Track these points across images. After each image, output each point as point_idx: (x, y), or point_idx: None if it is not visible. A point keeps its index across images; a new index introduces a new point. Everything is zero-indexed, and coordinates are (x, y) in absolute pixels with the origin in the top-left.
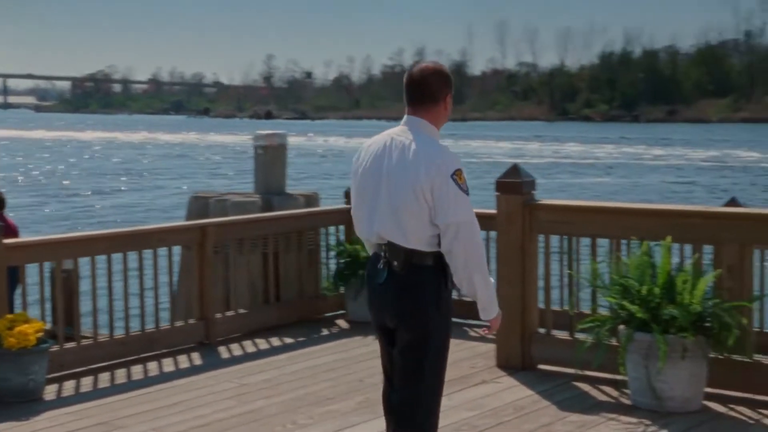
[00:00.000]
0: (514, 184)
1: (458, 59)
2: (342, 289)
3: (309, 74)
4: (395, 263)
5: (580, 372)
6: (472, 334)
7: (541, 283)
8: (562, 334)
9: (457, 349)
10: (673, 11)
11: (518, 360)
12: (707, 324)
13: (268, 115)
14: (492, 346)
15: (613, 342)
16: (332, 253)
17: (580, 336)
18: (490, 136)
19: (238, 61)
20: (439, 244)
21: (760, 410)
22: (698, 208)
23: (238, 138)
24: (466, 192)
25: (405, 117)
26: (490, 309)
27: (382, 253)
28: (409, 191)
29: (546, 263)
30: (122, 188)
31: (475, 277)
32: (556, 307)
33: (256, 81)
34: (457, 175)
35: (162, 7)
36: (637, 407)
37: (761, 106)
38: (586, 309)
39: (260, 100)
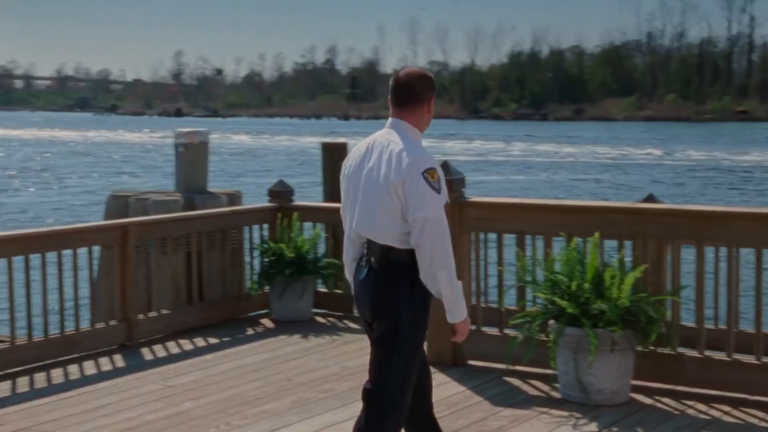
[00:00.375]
0: (447, 181)
1: (370, 57)
2: (267, 289)
3: (219, 71)
4: (372, 260)
5: (510, 367)
6: None
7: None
8: (492, 331)
9: None
10: (578, 12)
11: (449, 356)
12: (634, 318)
13: (178, 113)
14: None
15: (543, 337)
16: (256, 252)
17: (510, 332)
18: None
19: (147, 58)
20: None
21: (683, 401)
22: (623, 204)
23: (146, 136)
24: (438, 191)
25: (389, 120)
26: (455, 311)
27: (365, 251)
28: (383, 188)
29: (476, 260)
30: (25, 187)
31: (440, 274)
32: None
33: (164, 78)
34: (429, 174)
35: (66, 0)
36: (567, 401)
37: (663, 105)
38: (516, 305)
39: (169, 97)
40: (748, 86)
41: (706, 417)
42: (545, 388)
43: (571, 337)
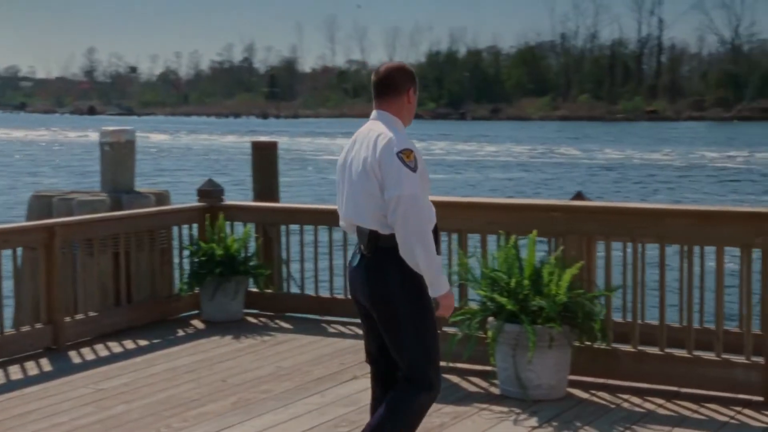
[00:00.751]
0: None
1: (288, 56)
2: (197, 289)
3: (134, 69)
4: (362, 246)
5: (449, 364)
6: (331, 330)
7: None
8: None
9: (319, 346)
10: (494, 12)
11: None
12: (571, 314)
13: (92, 111)
14: (355, 342)
15: (482, 334)
16: (186, 253)
17: (448, 330)
18: (326, 133)
19: (57, 55)
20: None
21: (618, 395)
22: (560, 202)
23: (57, 134)
24: (413, 170)
25: (373, 112)
26: (436, 284)
27: (358, 240)
28: (363, 172)
29: None
30: None
31: (417, 249)
32: None
33: (76, 75)
34: (404, 154)
35: None
36: (506, 396)
37: (577, 104)
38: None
39: (81, 95)
40: (657, 87)
41: (641, 410)
42: (484, 384)
43: (510, 334)
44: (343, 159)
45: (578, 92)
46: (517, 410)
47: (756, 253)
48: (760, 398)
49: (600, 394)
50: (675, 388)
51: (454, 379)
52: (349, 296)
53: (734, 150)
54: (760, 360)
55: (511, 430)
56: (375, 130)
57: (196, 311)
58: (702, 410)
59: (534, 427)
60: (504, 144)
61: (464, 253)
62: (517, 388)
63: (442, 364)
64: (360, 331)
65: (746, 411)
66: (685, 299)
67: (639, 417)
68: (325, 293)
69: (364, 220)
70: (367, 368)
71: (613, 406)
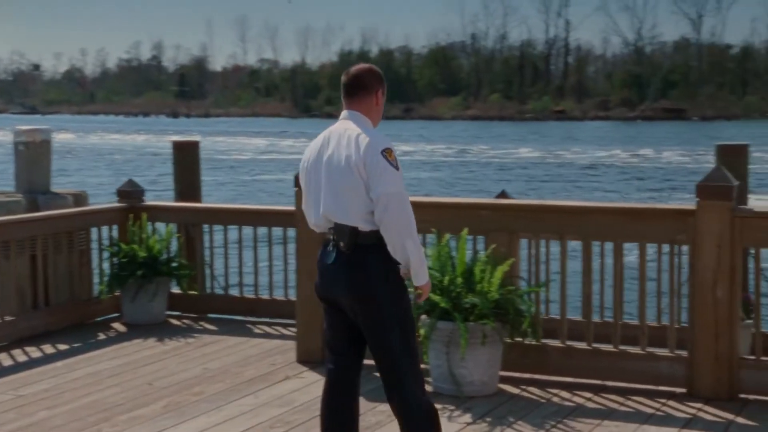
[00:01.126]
0: None
1: (198, 54)
2: (118, 292)
3: (36, 66)
4: (341, 244)
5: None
6: (257, 331)
7: None
8: None
9: (246, 347)
10: (405, 12)
11: (318, 354)
12: (503, 310)
13: None
14: (282, 342)
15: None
16: (106, 254)
17: None
18: (240, 132)
19: None
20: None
21: (548, 390)
22: (490, 201)
23: None
24: (396, 167)
25: (343, 112)
26: (422, 274)
27: (331, 237)
28: (347, 170)
29: None
30: None
31: (407, 243)
32: None
33: None
34: (387, 153)
35: None
36: (440, 393)
37: (488, 104)
38: None
39: None
40: (564, 87)
41: (571, 404)
42: None
43: (444, 331)
44: (314, 157)
45: (489, 92)
46: (451, 407)
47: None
48: (683, 390)
49: (530, 389)
50: (602, 382)
51: None
52: (274, 297)
53: (639, 148)
54: (684, 353)
55: (446, 426)
56: (351, 129)
57: (117, 314)
58: (628, 403)
59: (468, 423)
60: (418, 143)
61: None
62: (450, 384)
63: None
64: (286, 332)
65: (671, 403)
66: (611, 295)
67: (569, 411)
68: (249, 294)
69: (347, 217)
70: (299, 369)
71: (543, 400)
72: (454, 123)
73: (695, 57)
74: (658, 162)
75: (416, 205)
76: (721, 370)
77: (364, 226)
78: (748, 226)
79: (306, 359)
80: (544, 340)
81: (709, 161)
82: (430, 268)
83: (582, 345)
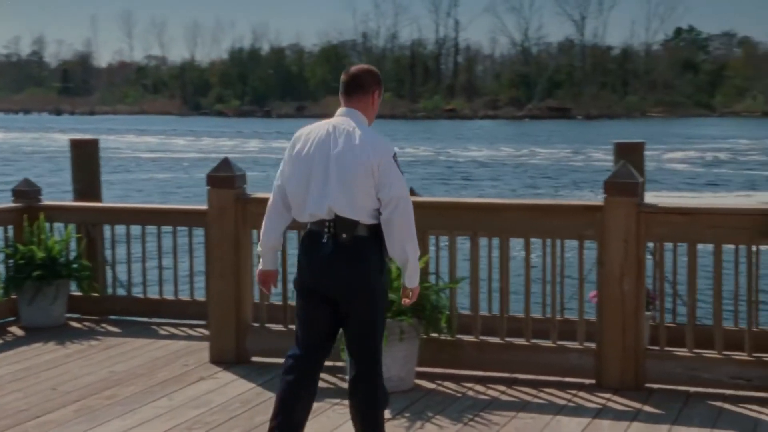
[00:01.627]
0: (226, 178)
1: (82, 50)
2: (14, 294)
3: None
4: (344, 235)
5: None
6: (162, 332)
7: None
8: (276, 327)
9: (152, 349)
10: (296, 9)
11: (232, 354)
12: (419, 307)
13: None
14: (189, 343)
15: None
16: (1, 256)
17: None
18: (128, 130)
19: None
20: (376, 217)
21: (463, 384)
22: None
23: None
24: (402, 173)
25: (342, 109)
26: (415, 277)
27: (326, 229)
28: (360, 168)
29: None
30: None
31: (408, 246)
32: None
33: None
34: (395, 157)
35: None
36: None
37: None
38: None
39: None
40: (455, 86)
41: (486, 397)
42: (333, 379)
43: None
44: (315, 149)
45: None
46: None
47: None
48: (593, 381)
49: (446, 384)
50: (515, 375)
51: None
52: (179, 297)
53: (529, 146)
54: (592, 345)
55: None
56: (360, 130)
57: (13, 317)
58: (541, 395)
59: (387, 419)
60: None
61: None
62: None
63: None
64: (193, 333)
65: (581, 393)
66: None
67: (485, 404)
68: (154, 295)
69: (352, 212)
70: (213, 369)
71: (459, 395)
72: None
73: (579, 58)
74: (548, 159)
75: None
76: (628, 361)
77: (364, 220)
78: (652, 221)
79: (219, 360)
80: (458, 336)
81: (598, 158)
82: None
83: (495, 339)
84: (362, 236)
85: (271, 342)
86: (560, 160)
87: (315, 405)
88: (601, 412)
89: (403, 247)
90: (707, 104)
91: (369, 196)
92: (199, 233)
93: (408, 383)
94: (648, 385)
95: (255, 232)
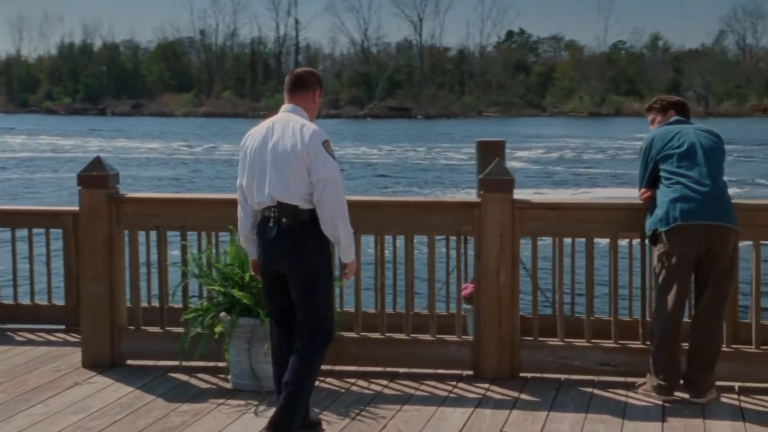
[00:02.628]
0: (98, 177)
1: None
2: None
3: None
4: (284, 220)
5: (173, 363)
6: (19, 338)
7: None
8: (153, 329)
9: (10, 356)
10: (130, 4)
11: (107, 358)
12: None
13: None
14: (50, 349)
15: (214, 330)
16: None
17: (171, 328)
18: None
19: None
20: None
21: (346, 380)
22: None
23: None
24: (333, 157)
25: (285, 105)
26: (350, 253)
27: (272, 215)
28: (292, 156)
29: (134, 258)
30: None
31: (339, 223)
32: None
33: None
34: (326, 144)
35: None
36: (239, 390)
37: (220, 101)
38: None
39: None
40: None
41: (370, 392)
42: (213, 380)
43: (245, 327)
44: (258, 143)
45: (221, 89)
46: (254, 402)
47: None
48: (471, 372)
49: (329, 380)
50: (396, 369)
51: (182, 377)
52: (36, 302)
53: (375, 145)
54: (470, 338)
55: (253, 421)
56: (294, 121)
57: None
58: (423, 387)
59: None
60: (152, 141)
61: (202, 251)
62: (250, 380)
63: (166, 363)
64: (53, 338)
65: (461, 385)
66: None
67: (369, 399)
68: (8, 300)
69: (290, 197)
70: (87, 374)
71: (343, 390)
72: (186, 120)
73: (417, 58)
74: (394, 156)
75: (208, 203)
76: (504, 351)
77: (303, 206)
78: (526, 216)
79: (93, 364)
80: (339, 333)
81: (443, 156)
82: (229, 265)
83: (376, 335)
84: (302, 220)
85: (148, 345)
86: (408, 158)
87: (199, 406)
88: (482, 402)
89: (334, 224)
90: (538, 104)
91: (302, 181)
92: (57, 234)
93: None
94: (522, 374)
95: (128, 232)
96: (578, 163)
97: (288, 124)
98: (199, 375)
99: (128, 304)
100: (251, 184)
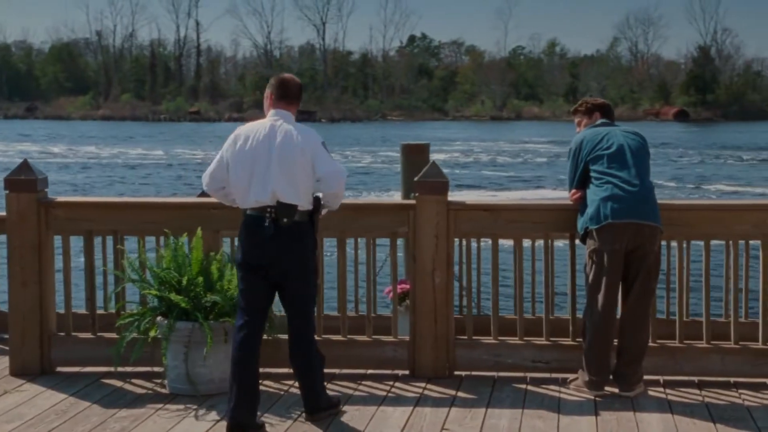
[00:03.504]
0: (27, 181)
1: None
2: None
3: None
4: (284, 220)
5: (105, 369)
6: None
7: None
8: (84, 335)
9: None
10: (22, 4)
11: (36, 365)
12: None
13: None
14: None
15: (151, 335)
16: None
17: (104, 334)
18: None
19: None
20: (311, 203)
21: (283, 382)
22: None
23: None
24: (331, 155)
25: (273, 111)
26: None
27: (267, 214)
28: (298, 155)
29: (66, 263)
30: None
31: (338, 205)
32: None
33: None
34: (324, 144)
35: None
36: (177, 394)
37: (119, 104)
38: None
39: None
40: (198, 88)
41: None
42: (149, 385)
43: (183, 331)
44: (255, 145)
45: (120, 91)
46: (194, 406)
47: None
48: (407, 372)
49: (266, 382)
50: (333, 371)
51: (117, 383)
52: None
53: None
54: (406, 337)
55: (194, 425)
56: (294, 127)
57: None
58: (362, 387)
59: (217, 420)
60: (48, 144)
61: (143, 254)
62: (187, 385)
63: (108, 370)
64: None
65: (398, 384)
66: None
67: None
68: None
69: (293, 196)
70: (16, 382)
71: (282, 392)
72: (84, 123)
73: (321, 62)
74: None
75: (140, 207)
76: (440, 350)
77: (303, 206)
78: (460, 217)
79: (22, 372)
80: (276, 335)
81: (357, 160)
82: (166, 269)
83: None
84: (299, 221)
85: (79, 351)
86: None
87: (138, 411)
88: (420, 401)
89: (337, 203)
90: (441, 108)
91: (308, 177)
92: None
93: (227, 385)
94: (457, 372)
95: (60, 237)
96: (492, 165)
97: (290, 129)
98: (134, 381)
99: (58, 310)
100: (245, 183)
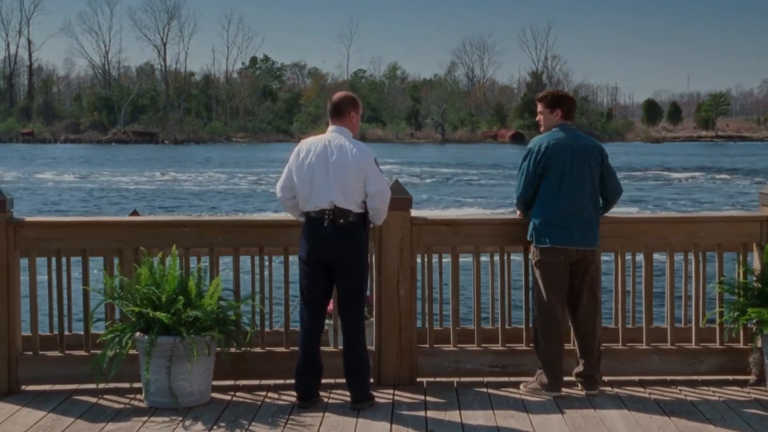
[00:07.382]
0: None
1: None
2: None
3: None
4: (341, 221)
5: (73, 387)
6: None
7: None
8: (51, 353)
9: None
10: None
11: (4, 384)
12: (221, 321)
13: None
14: None
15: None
16: None
17: (74, 352)
18: None
19: None
20: (363, 207)
21: (256, 393)
22: (188, 218)
23: None
24: (380, 171)
25: (332, 127)
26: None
27: (326, 216)
28: (353, 171)
29: (33, 283)
30: None
31: (383, 219)
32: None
33: None
34: (375, 161)
35: None
36: (158, 407)
37: None
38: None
39: None
40: (31, 108)
41: (285, 402)
42: (124, 400)
43: (165, 346)
44: (316, 158)
45: None
46: (178, 418)
47: None
48: (371, 379)
49: (240, 394)
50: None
51: (92, 399)
52: None
53: (117, 169)
54: (371, 347)
55: None
56: (350, 143)
57: None
58: (333, 396)
59: (209, 429)
60: None
61: (112, 273)
62: (168, 398)
63: (93, 386)
64: None
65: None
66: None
67: (288, 409)
68: None
69: (347, 203)
70: None
71: (259, 402)
72: None
73: (162, 82)
74: (154, 182)
75: (114, 226)
76: (404, 358)
77: (356, 210)
78: (423, 232)
79: None
80: (245, 349)
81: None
82: (148, 285)
83: (281, 349)
84: (353, 221)
85: (46, 369)
86: (163, 183)
87: (126, 425)
88: (396, 406)
89: (380, 219)
90: (286, 130)
91: (358, 191)
92: None
93: (206, 397)
94: (419, 379)
95: (26, 260)
96: None
97: (345, 144)
98: (107, 396)
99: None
100: (308, 190)
